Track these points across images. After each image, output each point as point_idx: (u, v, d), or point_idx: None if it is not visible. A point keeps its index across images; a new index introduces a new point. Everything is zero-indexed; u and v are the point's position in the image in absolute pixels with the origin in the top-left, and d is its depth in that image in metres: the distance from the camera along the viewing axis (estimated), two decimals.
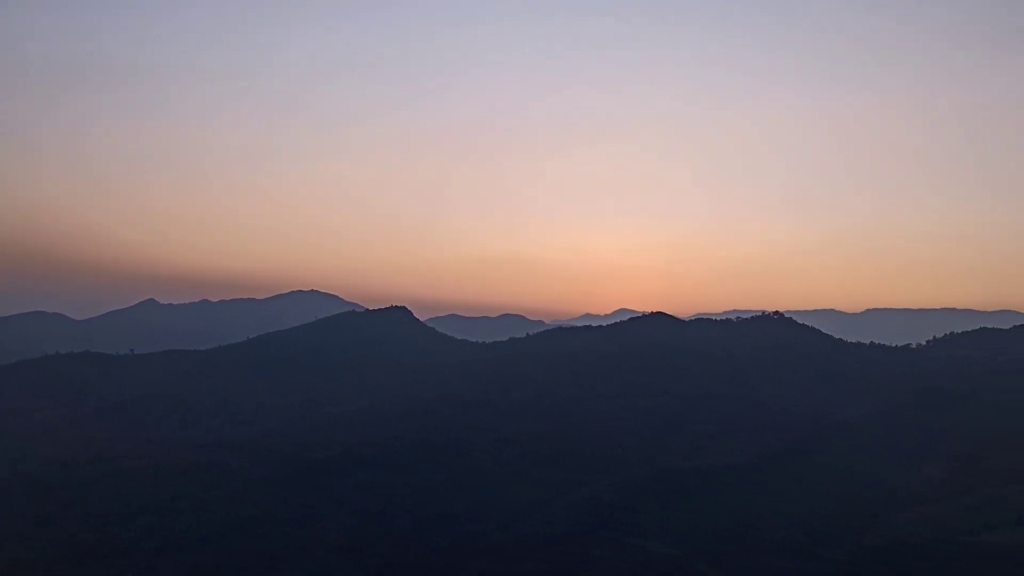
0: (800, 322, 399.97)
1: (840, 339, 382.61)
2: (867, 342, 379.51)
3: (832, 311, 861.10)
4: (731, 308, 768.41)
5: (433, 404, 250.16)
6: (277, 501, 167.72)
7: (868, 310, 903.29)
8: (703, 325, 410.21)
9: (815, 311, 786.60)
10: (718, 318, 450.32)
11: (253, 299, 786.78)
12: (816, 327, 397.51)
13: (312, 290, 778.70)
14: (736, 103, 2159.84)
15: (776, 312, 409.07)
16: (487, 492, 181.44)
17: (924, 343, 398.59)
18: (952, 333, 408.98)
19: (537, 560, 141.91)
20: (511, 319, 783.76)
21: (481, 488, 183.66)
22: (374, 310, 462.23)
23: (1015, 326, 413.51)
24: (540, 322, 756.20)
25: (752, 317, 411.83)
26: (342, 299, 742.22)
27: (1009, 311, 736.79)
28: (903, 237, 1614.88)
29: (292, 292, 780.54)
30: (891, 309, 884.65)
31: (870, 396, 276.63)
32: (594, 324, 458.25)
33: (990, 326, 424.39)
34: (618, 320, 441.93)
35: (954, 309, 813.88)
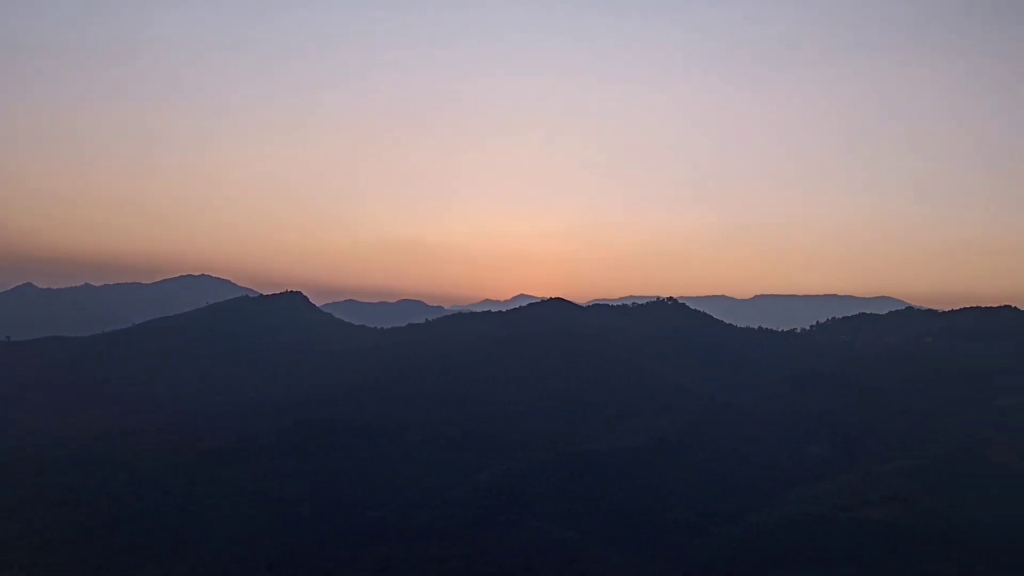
0: (693, 308, 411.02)
1: (731, 324, 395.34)
2: (756, 327, 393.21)
3: (723, 297, 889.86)
4: (627, 294, 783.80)
5: (331, 391, 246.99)
6: (167, 492, 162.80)
7: (757, 296, 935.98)
8: (600, 311, 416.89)
9: (707, 297, 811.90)
10: (615, 304, 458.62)
11: (140, 283, 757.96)
12: (708, 312, 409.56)
13: (203, 274, 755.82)
14: (635, 94, 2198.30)
15: (670, 298, 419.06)
16: (387, 478, 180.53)
17: (808, 328, 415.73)
18: (834, 318, 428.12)
19: (438, 546, 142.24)
20: (410, 305, 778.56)
21: (381, 474, 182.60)
22: (268, 295, 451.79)
23: (891, 311, 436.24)
24: (439, 308, 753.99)
25: (647, 303, 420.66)
26: (235, 284, 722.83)
27: (887, 297, 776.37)
28: (789, 226, 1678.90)
29: (182, 276, 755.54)
30: (778, 295, 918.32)
31: (758, 379, 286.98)
32: (494, 310, 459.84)
33: (869, 312, 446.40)
34: (517, 306, 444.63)
35: (836, 295, 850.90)
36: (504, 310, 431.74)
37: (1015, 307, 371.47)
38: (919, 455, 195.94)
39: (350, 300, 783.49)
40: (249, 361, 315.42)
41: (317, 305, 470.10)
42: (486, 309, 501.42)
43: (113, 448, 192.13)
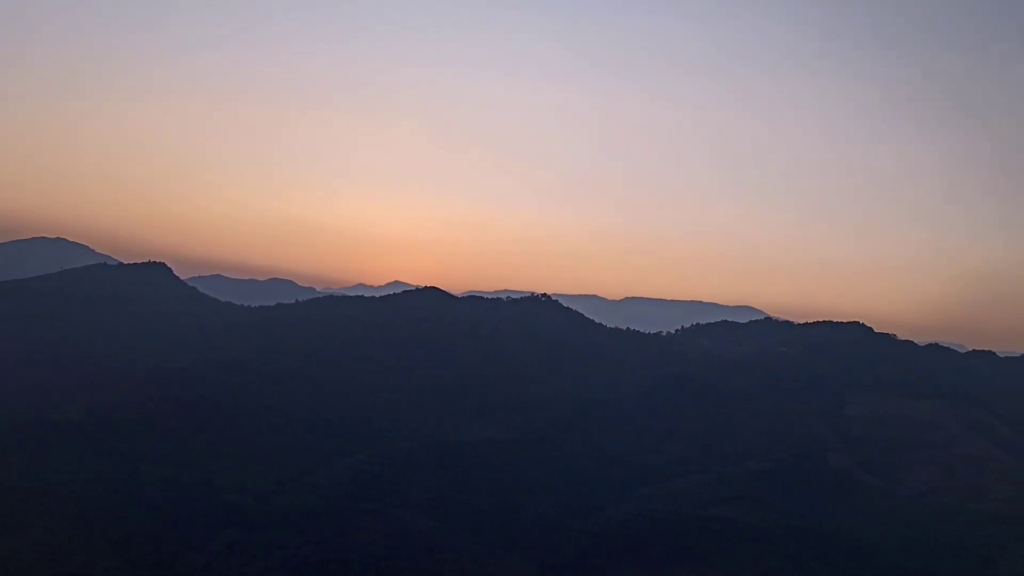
0: (565, 305, 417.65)
1: (601, 324, 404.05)
2: (625, 328, 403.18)
3: (595, 296, 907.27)
4: (502, 288, 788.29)
5: (191, 367, 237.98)
6: (9, 466, 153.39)
7: (627, 298, 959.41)
8: (475, 302, 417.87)
9: (579, 296, 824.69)
10: (489, 296, 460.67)
11: None
12: (580, 311, 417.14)
13: (58, 237, 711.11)
14: (520, 91, 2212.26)
15: (544, 294, 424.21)
16: (245, 461, 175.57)
17: (674, 332, 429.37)
18: (698, 324, 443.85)
19: (294, 531, 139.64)
20: (280, 284, 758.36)
21: (239, 456, 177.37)
22: (128, 264, 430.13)
23: (751, 320, 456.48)
24: (311, 289, 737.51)
25: (521, 298, 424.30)
26: (92, 250, 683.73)
27: (749, 307, 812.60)
28: (662, 231, 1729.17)
29: (34, 238, 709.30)
30: (647, 298, 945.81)
31: (624, 379, 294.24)
32: (367, 294, 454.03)
33: (731, 320, 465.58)
34: (392, 292, 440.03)
35: (702, 302, 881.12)
36: (378, 296, 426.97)
37: (863, 323, 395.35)
38: (768, 458, 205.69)
39: (217, 275, 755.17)
40: (104, 332, 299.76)
41: (181, 278, 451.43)
42: (359, 293, 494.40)
43: None
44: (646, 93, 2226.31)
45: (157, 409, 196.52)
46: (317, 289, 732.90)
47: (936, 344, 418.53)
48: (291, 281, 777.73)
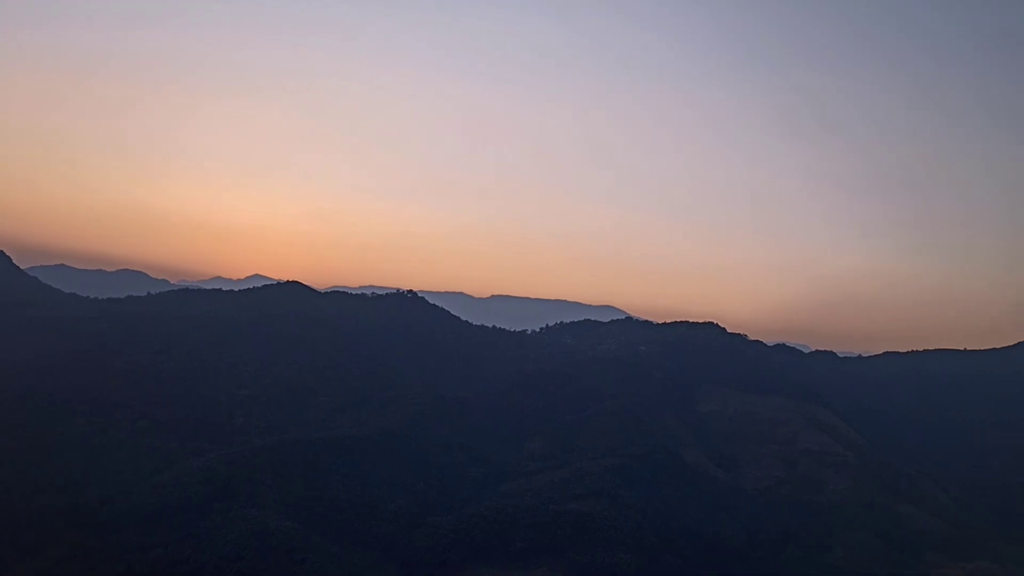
0: (431, 302, 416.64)
1: (467, 321, 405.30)
2: (490, 325, 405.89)
3: (461, 294, 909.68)
4: (367, 283, 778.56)
5: (31, 362, 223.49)
6: None
7: (493, 296, 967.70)
8: (339, 298, 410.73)
9: (446, 293, 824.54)
10: (354, 292, 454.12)
11: None
12: (446, 308, 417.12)
13: None
14: (388, 84, 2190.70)
15: (410, 291, 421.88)
16: (89, 460, 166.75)
17: (538, 329, 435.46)
18: (562, 323, 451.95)
19: (139, 533, 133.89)
20: (130, 275, 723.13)
21: (82, 456, 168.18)
22: None
23: (613, 320, 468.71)
24: (164, 281, 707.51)
25: (387, 294, 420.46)
26: None
27: (611, 307, 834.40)
28: (529, 231, 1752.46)
29: None
30: (513, 296, 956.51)
31: (489, 376, 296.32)
32: (225, 288, 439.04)
33: (593, 319, 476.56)
34: (252, 286, 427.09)
35: (566, 301, 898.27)
36: (237, 289, 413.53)
37: (717, 324, 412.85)
38: (624, 454, 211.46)
39: (61, 265, 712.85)
40: None
41: (21, 267, 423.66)
42: (217, 287, 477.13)
43: None
44: (515, 92, 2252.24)
45: None
46: (171, 282, 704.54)
47: (783, 344, 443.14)
48: (143, 273, 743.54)
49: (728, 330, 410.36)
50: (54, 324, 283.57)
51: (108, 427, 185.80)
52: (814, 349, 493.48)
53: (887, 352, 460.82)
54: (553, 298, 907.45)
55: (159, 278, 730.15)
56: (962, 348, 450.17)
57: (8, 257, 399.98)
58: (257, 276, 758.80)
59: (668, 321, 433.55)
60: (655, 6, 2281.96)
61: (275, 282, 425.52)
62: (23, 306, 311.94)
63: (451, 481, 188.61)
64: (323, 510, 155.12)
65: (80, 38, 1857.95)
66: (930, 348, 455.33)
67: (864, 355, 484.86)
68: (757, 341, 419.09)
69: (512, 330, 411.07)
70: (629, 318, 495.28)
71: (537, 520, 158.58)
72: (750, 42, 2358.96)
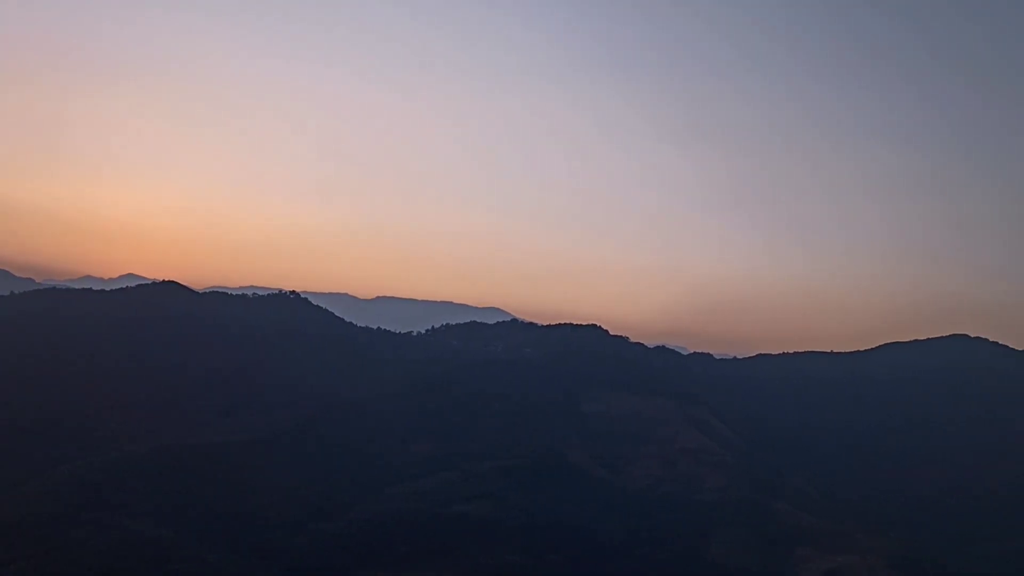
0: (315, 303, 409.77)
1: (351, 322, 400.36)
2: (375, 327, 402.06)
3: (345, 295, 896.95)
4: (248, 284, 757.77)
5: None
6: None
7: (378, 297, 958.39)
8: (218, 298, 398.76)
9: (330, 294, 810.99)
10: (234, 292, 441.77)
11: None
12: (330, 309, 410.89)
13: None
14: (268, 72, 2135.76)
15: (292, 292, 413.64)
16: None
17: (424, 331, 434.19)
18: (448, 324, 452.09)
19: (3, 546, 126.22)
20: None
21: None
22: None
23: (499, 322, 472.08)
24: (29, 280, 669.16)
25: (269, 295, 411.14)
26: None
27: (497, 308, 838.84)
28: (414, 232, 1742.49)
29: None
30: (398, 298, 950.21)
31: (374, 379, 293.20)
32: (96, 287, 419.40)
33: (480, 320, 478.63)
34: (125, 285, 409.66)
35: (452, 302, 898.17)
36: (109, 289, 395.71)
37: (600, 326, 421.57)
38: (510, 456, 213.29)
39: None
40: None
41: None
42: (87, 286, 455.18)
43: None
44: (398, 90, 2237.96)
45: None
46: (36, 280, 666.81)
47: (663, 346, 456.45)
48: (5, 271, 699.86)
49: (611, 332, 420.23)
50: None
51: None
52: (693, 351, 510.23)
53: (760, 354, 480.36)
54: (439, 300, 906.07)
55: (24, 276, 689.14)
56: (830, 350, 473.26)
57: None
58: (130, 275, 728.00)
59: (553, 323, 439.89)
60: (528, 6, 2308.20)
61: (150, 281, 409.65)
62: None
63: (336, 486, 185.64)
64: (201, 518, 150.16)
65: None
66: (800, 350, 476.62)
67: (739, 357, 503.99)
68: (639, 343, 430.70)
69: (398, 332, 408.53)
70: (515, 320, 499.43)
71: (423, 523, 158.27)
72: (626, 44, 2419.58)
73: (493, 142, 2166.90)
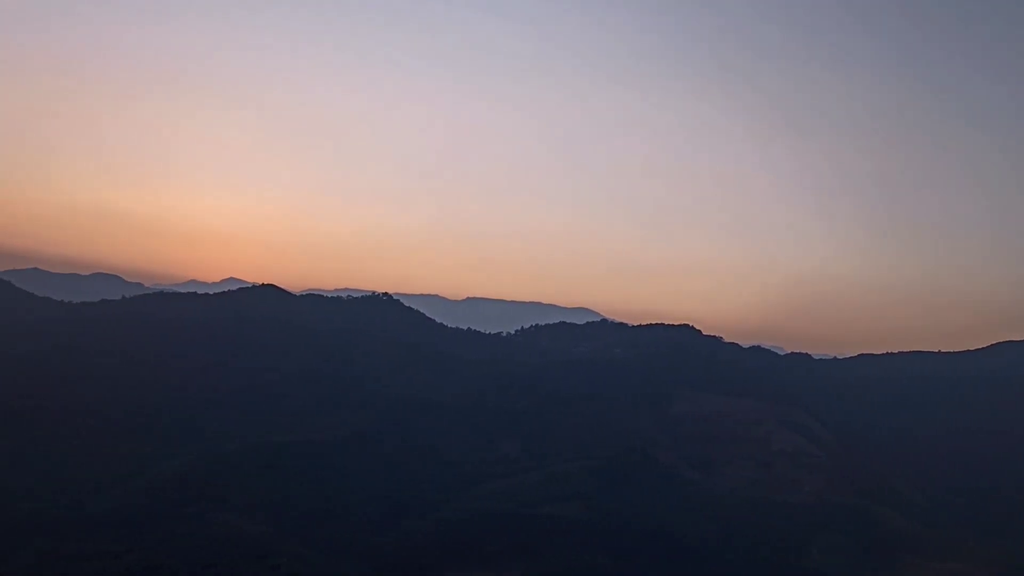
0: (406, 305, 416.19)
1: (441, 323, 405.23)
2: (465, 328, 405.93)
3: (436, 296, 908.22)
4: (343, 286, 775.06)
5: (1, 367, 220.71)
6: None
7: (468, 298, 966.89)
8: (314, 301, 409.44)
9: (421, 295, 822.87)
10: (329, 295, 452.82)
11: None
12: (421, 311, 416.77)
13: None
14: (359, 86, 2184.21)
15: (385, 293, 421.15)
16: (58, 465, 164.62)
17: (513, 332, 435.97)
18: (537, 325, 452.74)
19: (110, 538, 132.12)
20: (104, 279, 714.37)
21: (50, 461, 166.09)
22: None
23: (588, 322, 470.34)
24: (139, 284, 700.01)
25: (362, 297, 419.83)
26: None
27: (586, 309, 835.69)
28: (503, 233, 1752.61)
29: None
30: (488, 299, 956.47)
31: (463, 379, 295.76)
32: (200, 291, 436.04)
33: (568, 321, 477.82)
34: (227, 289, 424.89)
35: (541, 303, 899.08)
36: (211, 292, 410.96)
37: (692, 326, 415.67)
38: (599, 456, 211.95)
39: (35, 268, 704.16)
40: None
41: None
42: (192, 290, 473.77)
43: None
44: (489, 94, 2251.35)
45: None
46: (146, 285, 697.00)
47: (759, 346, 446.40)
48: (117, 277, 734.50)
49: (704, 332, 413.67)
50: (25, 328, 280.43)
51: (80, 431, 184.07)
52: (789, 351, 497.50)
53: (862, 354, 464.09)
54: (528, 300, 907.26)
55: (133, 282, 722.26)
56: (937, 350, 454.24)
57: None
58: (232, 279, 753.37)
59: (643, 323, 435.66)
60: (631, 5, 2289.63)
61: (250, 285, 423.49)
62: None
63: (424, 484, 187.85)
64: (294, 514, 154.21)
65: (54, 39, 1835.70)
66: (905, 350, 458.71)
67: (839, 357, 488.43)
68: (733, 343, 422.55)
69: (487, 332, 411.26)
70: (604, 320, 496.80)
71: (512, 523, 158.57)
72: (718, 35, 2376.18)
73: (582, 140, 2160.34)
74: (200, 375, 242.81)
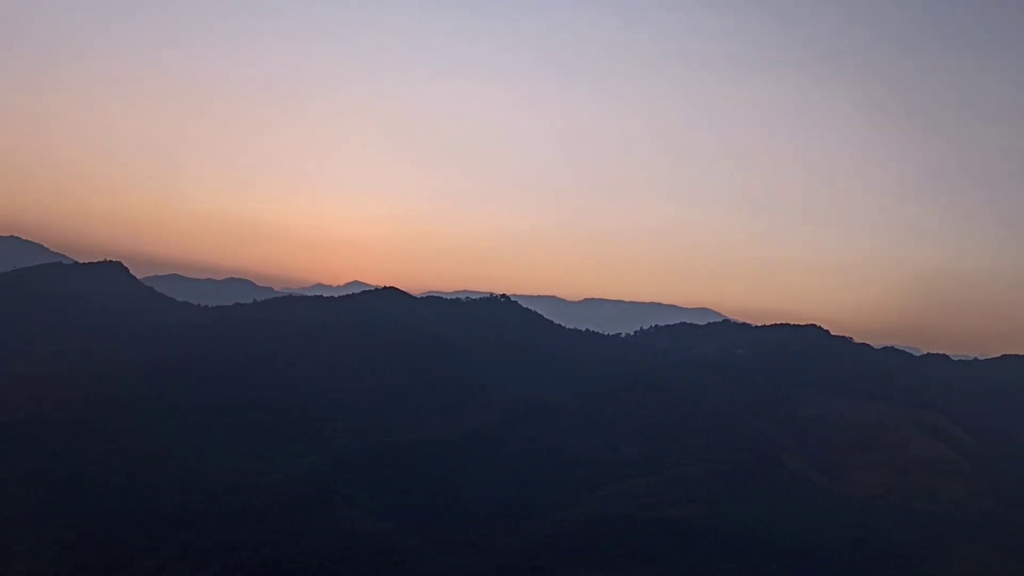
0: (524, 306, 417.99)
1: (560, 325, 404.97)
2: (583, 329, 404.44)
3: (554, 297, 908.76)
4: (462, 288, 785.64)
5: (144, 367, 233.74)
6: None
7: (586, 299, 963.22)
8: (434, 303, 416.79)
9: (539, 296, 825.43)
10: (448, 297, 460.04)
11: None
12: (539, 312, 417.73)
13: (11, 236, 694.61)
14: (475, 91, 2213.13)
15: (503, 295, 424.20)
16: (196, 462, 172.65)
17: (632, 333, 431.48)
18: (657, 326, 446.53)
19: (246, 533, 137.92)
20: (238, 283, 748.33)
21: (190, 457, 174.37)
22: (84, 264, 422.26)
23: (710, 323, 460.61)
24: (269, 289, 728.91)
25: (481, 298, 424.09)
26: (47, 249, 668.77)
27: (706, 309, 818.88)
28: (622, 233, 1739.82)
29: None
30: (606, 300, 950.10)
31: (581, 380, 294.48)
32: (326, 294, 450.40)
33: (689, 321, 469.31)
34: (351, 292, 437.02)
35: (661, 304, 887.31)
36: (336, 296, 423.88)
37: (820, 326, 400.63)
38: (722, 460, 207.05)
39: (174, 274, 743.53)
40: (56, 332, 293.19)
41: (137, 277, 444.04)
42: (318, 294, 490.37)
43: None
44: (606, 96, 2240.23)
45: (108, 409, 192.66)
46: (275, 289, 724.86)
47: (891, 347, 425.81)
48: (249, 281, 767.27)
49: (832, 333, 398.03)
50: (167, 331, 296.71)
51: (215, 429, 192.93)
52: (925, 352, 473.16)
53: (1005, 355, 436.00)
54: (647, 301, 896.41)
55: (264, 286, 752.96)
56: None
57: (125, 268, 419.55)
58: (356, 283, 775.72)
59: (767, 324, 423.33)
60: None
61: (373, 288, 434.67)
62: (139, 314, 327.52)
63: (543, 485, 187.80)
64: (417, 513, 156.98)
65: (187, 61, 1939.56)
66: None
67: (980, 358, 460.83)
68: (864, 344, 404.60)
69: (605, 333, 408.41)
70: (726, 320, 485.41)
71: (634, 526, 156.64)
72: (851, 31, 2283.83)
73: (702, 138, 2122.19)
74: (326, 375, 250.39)
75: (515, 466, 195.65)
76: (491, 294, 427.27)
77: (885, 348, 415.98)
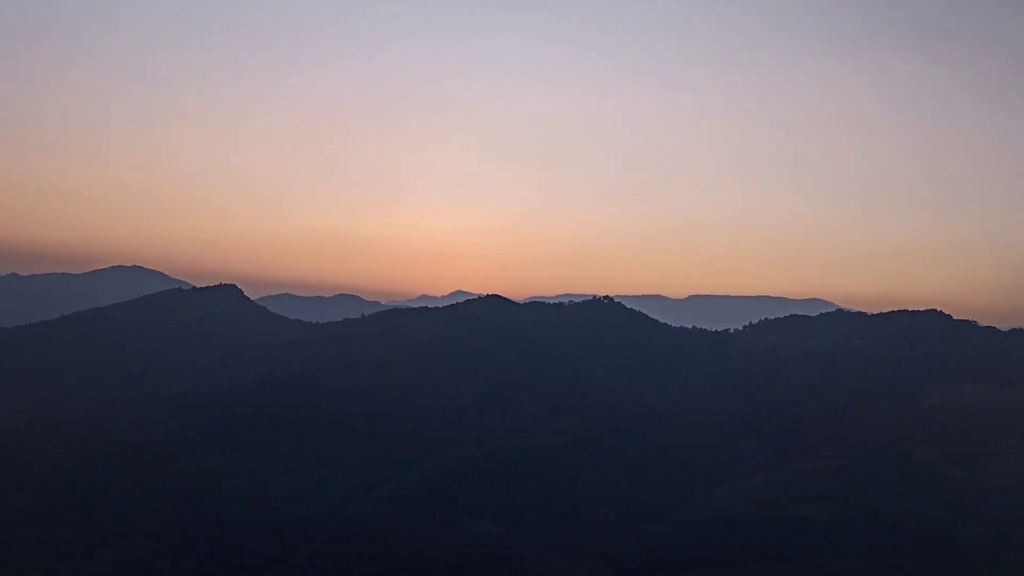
0: (628, 307, 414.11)
1: (665, 323, 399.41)
2: (690, 327, 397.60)
3: (658, 296, 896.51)
4: (564, 292, 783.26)
5: (261, 385, 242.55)
6: (91, 487, 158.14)
7: (691, 296, 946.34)
8: (537, 308, 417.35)
9: (643, 296, 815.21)
10: (551, 301, 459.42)
11: (68, 273, 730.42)
12: (643, 312, 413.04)
13: (135, 265, 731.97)
14: (570, 93, 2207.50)
15: (606, 297, 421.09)
16: (317, 474, 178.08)
17: (741, 328, 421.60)
18: (766, 319, 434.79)
19: (367, 542, 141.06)
20: (346, 299, 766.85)
21: (310, 470, 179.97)
22: (201, 288, 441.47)
23: (822, 313, 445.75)
24: (376, 303, 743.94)
25: (584, 301, 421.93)
26: (167, 276, 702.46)
27: (818, 299, 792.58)
28: (725, 227, 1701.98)
29: (112, 267, 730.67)
30: (712, 296, 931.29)
31: (690, 379, 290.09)
32: (431, 306, 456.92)
33: (800, 313, 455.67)
34: (454, 302, 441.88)
35: (769, 297, 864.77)
36: (441, 306, 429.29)
37: (941, 311, 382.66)
38: (845, 454, 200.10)
39: (285, 293, 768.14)
40: (179, 355, 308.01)
41: (251, 298, 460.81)
42: (423, 305, 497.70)
43: (36, 442, 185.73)
44: (696, 87, 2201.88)
45: (228, 427, 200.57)
46: (382, 303, 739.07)
47: (1020, 329, 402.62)
48: (357, 296, 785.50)
49: (955, 317, 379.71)
50: (282, 349, 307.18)
51: (333, 442, 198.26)
52: None
53: None
54: (754, 295, 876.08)
55: (371, 300, 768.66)
56: None
57: (239, 290, 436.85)
58: (459, 292, 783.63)
59: (884, 311, 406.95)
60: None
61: (476, 296, 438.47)
62: (255, 333, 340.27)
63: (659, 486, 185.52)
64: (534, 518, 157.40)
65: (288, 82, 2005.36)
66: None
67: None
68: (990, 327, 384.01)
69: (713, 330, 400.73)
70: (840, 310, 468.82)
71: (754, 525, 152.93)
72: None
73: (803, 126, 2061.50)
74: (437, 385, 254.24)
75: (629, 468, 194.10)
76: (594, 296, 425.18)
77: (1013, 330, 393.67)
